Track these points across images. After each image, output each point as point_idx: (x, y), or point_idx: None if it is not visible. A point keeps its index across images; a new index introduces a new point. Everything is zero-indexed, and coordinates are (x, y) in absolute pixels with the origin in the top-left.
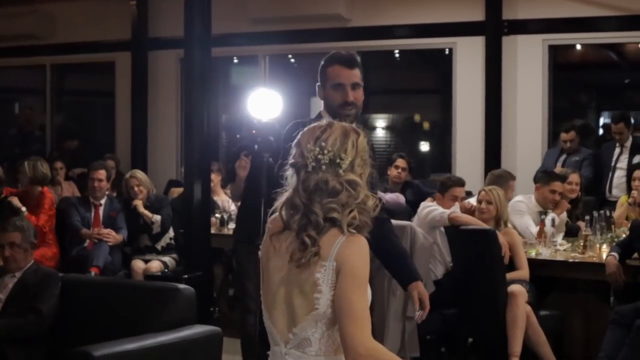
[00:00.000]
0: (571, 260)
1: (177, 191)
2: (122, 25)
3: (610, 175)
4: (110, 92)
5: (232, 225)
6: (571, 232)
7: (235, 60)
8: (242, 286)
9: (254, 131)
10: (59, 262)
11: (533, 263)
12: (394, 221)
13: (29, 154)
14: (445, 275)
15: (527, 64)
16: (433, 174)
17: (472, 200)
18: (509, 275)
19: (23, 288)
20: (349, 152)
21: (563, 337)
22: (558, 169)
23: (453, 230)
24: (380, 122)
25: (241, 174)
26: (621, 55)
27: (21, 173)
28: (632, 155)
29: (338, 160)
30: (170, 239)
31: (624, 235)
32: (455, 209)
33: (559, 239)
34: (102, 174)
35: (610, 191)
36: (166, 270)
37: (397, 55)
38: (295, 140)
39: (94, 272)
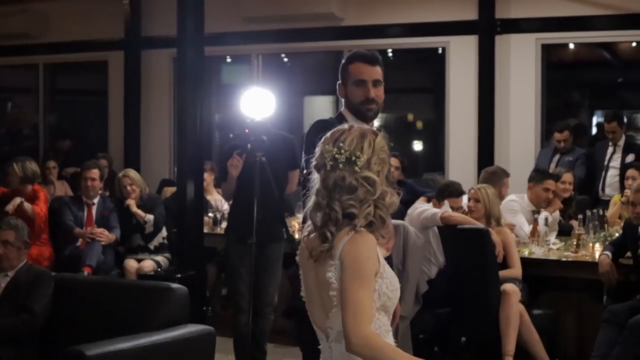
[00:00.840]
0: (564, 259)
1: (170, 190)
2: (115, 25)
3: (603, 174)
4: (103, 91)
5: (225, 225)
6: (564, 231)
7: (229, 60)
8: (234, 286)
9: (247, 130)
10: (53, 262)
11: (526, 262)
12: None
13: (18, 153)
14: (438, 274)
15: (520, 63)
16: (426, 173)
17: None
18: (502, 273)
19: (16, 287)
20: (365, 150)
21: (556, 336)
22: (552, 168)
23: (446, 229)
24: (373, 122)
25: (233, 173)
26: (614, 54)
27: (10, 174)
28: (625, 154)
29: (354, 158)
30: (163, 238)
31: (617, 234)
32: (447, 208)
33: (552, 238)
34: (94, 173)
35: (603, 190)
36: (159, 269)
37: (390, 54)
38: (318, 144)
39: (86, 271)
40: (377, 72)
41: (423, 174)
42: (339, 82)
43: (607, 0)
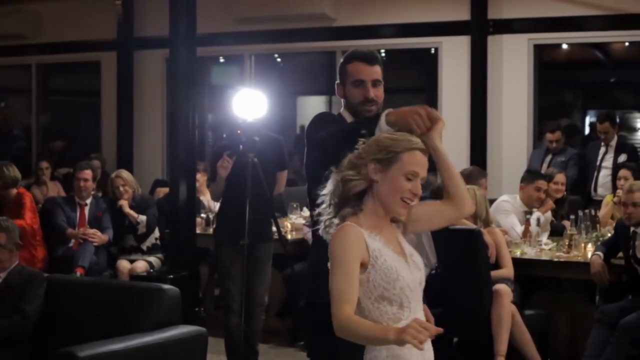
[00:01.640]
0: (556, 259)
1: (163, 191)
2: (108, 25)
3: (595, 174)
4: (96, 92)
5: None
6: (556, 232)
7: (222, 60)
8: (225, 286)
9: (239, 131)
10: (47, 263)
11: (518, 262)
12: None
13: (8, 154)
14: (430, 275)
15: (513, 63)
16: None
17: None
18: (493, 274)
19: (8, 289)
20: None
21: (548, 337)
22: (544, 169)
23: (438, 230)
24: None
25: (222, 174)
26: (607, 55)
27: None
28: (617, 154)
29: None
30: (156, 239)
31: (609, 235)
32: None
33: (544, 238)
34: (87, 173)
35: (595, 190)
36: (152, 270)
37: (382, 54)
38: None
39: (79, 272)
40: (377, 71)
41: None
42: (337, 81)
43: (600, 0)
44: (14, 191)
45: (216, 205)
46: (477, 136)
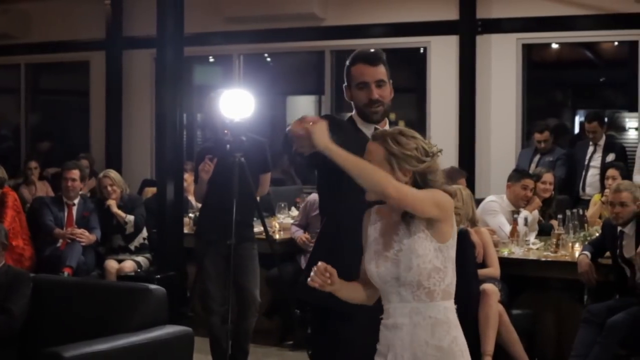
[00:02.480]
0: (543, 259)
1: (151, 191)
2: (97, 25)
3: (584, 173)
4: (84, 92)
5: None
6: (544, 231)
7: (211, 60)
8: (204, 287)
9: (226, 131)
10: (35, 262)
11: (505, 262)
12: None
13: None
14: None
15: (501, 63)
16: None
17: None
18: (480, 272)
19: None
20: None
21: (535, 336)
22: (532, 169)
23: None
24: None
25: (204, 177)
26: (596, 54)
27: None
28: (605, 153)
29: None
30: (144, 238)
31: (597, 234)
32: None
33: (532, 237)
34: (75, 173)
35: (584, 190)
36: (139, 270)
37: None
38: (404, 137)
39: (66, 272)
40: (380, 71)
41: None
42: (345, 84)
43: (588, 0)
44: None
45: None
46: (466, 136)
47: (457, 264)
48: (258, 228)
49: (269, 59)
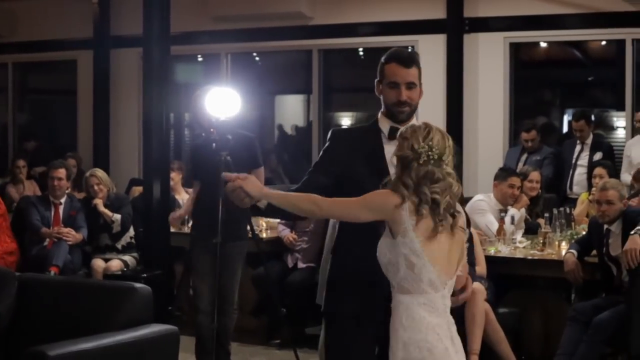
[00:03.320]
0: (530, 257)
1: (138, 190)
2: (84, 23)
3: (571, 172)
4: (72, 90)
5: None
6: (531, 230)
7: (200, 59)
8: (194, 286)
9: (212, 129)
10: (19, 258)
11: (492, 260)
12: None
13: None
14: None
15: (489, 61)
16: None
17: None
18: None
19: None
20: (449, 150)
21: (522, 335)
22: (519, 168)
23: None
24: (345, 121)
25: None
26: (584, 53)
27: None
28: (592, 152)
29: (443, 157)
30: (131, 237)
31: (584, 233)
32: None
33: (519, 236)
34: (61, 172)
35: (571, 188)
36: (126, 269)
37: (361, 53)
38: (402, 137)
39: (53, 271)
40: (412, 74)
41: None
42: (377, 79)
43: None
44: None
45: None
46: (453, 135)
47: None
48: None
49: (257, 58)
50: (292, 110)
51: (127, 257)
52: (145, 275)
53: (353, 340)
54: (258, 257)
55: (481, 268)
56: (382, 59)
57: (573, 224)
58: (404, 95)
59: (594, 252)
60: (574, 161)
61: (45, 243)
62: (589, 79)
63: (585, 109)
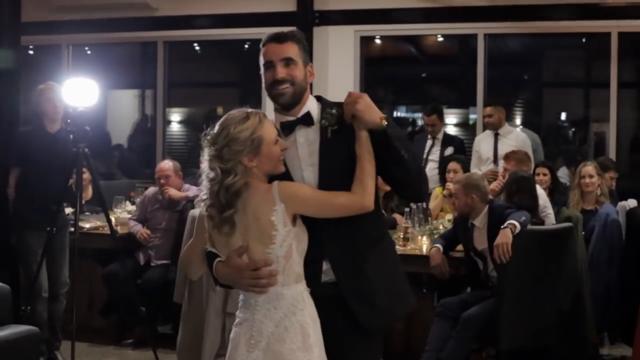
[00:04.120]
0: None
1: None
2: None
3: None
4: None
5: None
6: (387, 225)
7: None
8: (28, 274)
9: (68, 120)
10: None
11: None
12: None
13: None
14: None
15: (339, 55)
16: None
17: None
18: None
19: None
20: (219, 142)
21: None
22: None
23: None
24: (177, 117)
25: None
26: (420, 49)
27: None
28: (444, 147)
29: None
30: None
31: (441, 227)
32: None
33: None
34: None
35: None
36: None
37: (197, 47)
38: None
39: None
40: (288, 49)
41: None
42: (261, 72)
43: None
44: None
45: None
46: None
47: None
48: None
49: (89, 52)
50: (126, 105)
51: None
52: None
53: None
54: (109, 253)
55: None
56: (260, 46)
57: (429, 218)
58: (279, 73)
59: (459, 247)
60: (425, 156)
61: None
62: (423, 75)
63: (436, 104)
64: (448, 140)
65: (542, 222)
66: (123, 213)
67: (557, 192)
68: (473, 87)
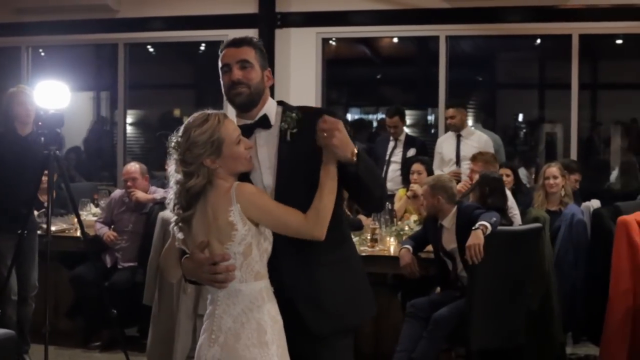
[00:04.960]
0: (363, 254)
1: None
2: None
3: (385, 168)
4: None
5: None
6: (353, 227)
7: None
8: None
9: (40, 122)
10: None
11: None
12: None
13: None
14: None
15: (301, 56)
16: None
17: None
18: None
19: None
20: (181, 145)
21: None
22: None
23: None
24: (130, 119)
25: None
26: (375, 51)
27: None
28: (406, 148)
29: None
30: None
31: (407, 228)
32: None
33: None
34: None
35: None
36: None
37: (151, 49)
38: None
39: None
40: (244, 52)
41: None
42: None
43: None
44: None
45: None
46: None
47: None
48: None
49: (43, 54)
50: (79, 108)
51: None
52: None
53: None
54: (76, 256)
55: None
56: (219, 52)
57: (395, 219)
58: (235, 75)
59: (428, 247)
60: (387, 157)
61: None
62: (378, 77)
63: (398, 106)
64: (410, 141)
65: (511, 223)
66: (88, 215)
67: (520, 193)
68: (430, 88)
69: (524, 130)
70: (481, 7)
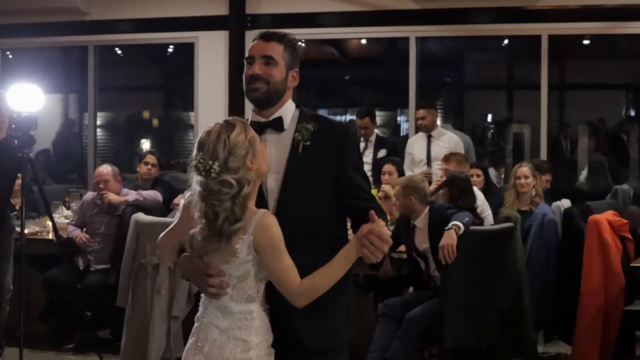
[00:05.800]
0: None
1: None
2: None
3: None
4: None
5: None
6: None
7: None
8: None
9: (13, 125)
10: None
11: None
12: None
13: None
14: None
15: None
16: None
17: None
18: None
19: None
20: (220, 154)
21: None
22: None
23: None
24: (99, 120)
25: None
26: (343, 52)
27: None
28: (377, 149)
29: (208, 168)
30: None
31: None
32: None
33: None
34: None
35: None
36: None
37: (119, 51)
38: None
39: None
40: (271, 47)
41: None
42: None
43: None
44: None
45: None
46: None
47: None
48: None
49: (10, 56)
50: (47, 111)
51: None
52: None
53: None
54: (48, 259)
55: None
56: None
57: None
58: (255, 69)
59: (401, 248)
60: None
61: None
62: (347, 78)
63: (369, 107)
64: (380, 142)
65: (482, 222)
66: (60, 218)
67: (490, 193)
68: (399, 89)
69: (492, 131)
70: (451, 8)
